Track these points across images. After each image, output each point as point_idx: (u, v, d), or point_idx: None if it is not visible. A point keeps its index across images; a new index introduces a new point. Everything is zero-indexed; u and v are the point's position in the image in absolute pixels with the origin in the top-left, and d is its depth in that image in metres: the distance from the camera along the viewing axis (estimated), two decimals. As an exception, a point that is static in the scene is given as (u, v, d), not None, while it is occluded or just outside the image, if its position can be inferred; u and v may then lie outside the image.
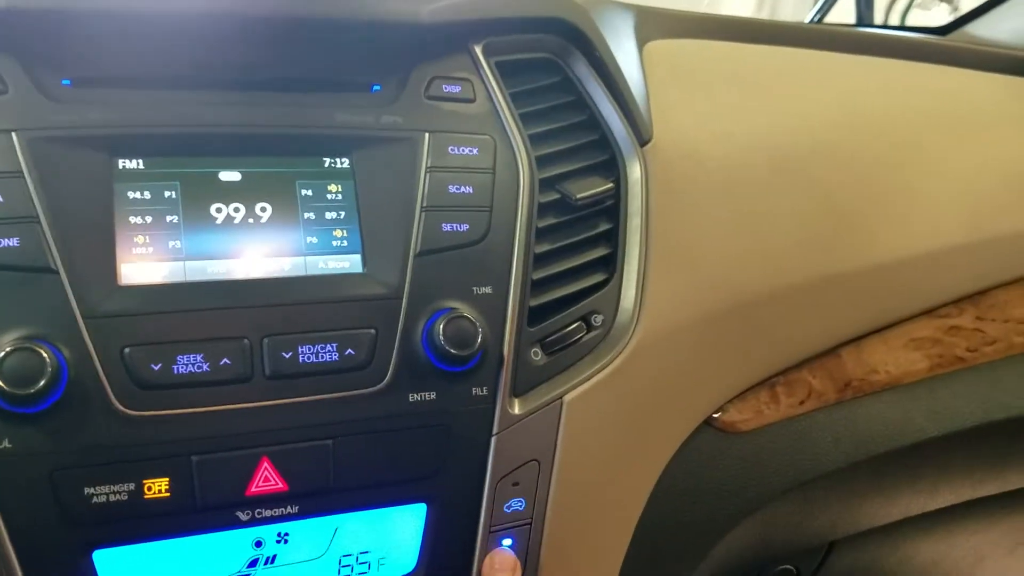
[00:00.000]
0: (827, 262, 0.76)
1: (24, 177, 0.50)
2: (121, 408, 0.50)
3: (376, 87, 0.61)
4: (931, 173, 0.85)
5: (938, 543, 1.02)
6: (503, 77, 0.65)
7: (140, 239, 0.53)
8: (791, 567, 0.97)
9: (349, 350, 0.55)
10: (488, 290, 0.59)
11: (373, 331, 0.56)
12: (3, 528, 0.49)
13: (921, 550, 1.02)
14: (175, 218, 0.54)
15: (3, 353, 0.47)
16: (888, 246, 0.79)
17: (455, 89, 0.63)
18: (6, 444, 0.48)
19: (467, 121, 0.62)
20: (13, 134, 0.51)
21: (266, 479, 0.53)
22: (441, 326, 0.55)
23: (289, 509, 0.54)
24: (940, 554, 1.03)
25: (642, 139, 0.68)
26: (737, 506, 0.73)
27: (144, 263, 0.53)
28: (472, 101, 0.63)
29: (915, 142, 0.85)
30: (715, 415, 0.73)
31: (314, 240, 0.57)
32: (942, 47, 0.99)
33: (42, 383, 0.47)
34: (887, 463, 0.79)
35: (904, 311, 0.81)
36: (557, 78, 0.68)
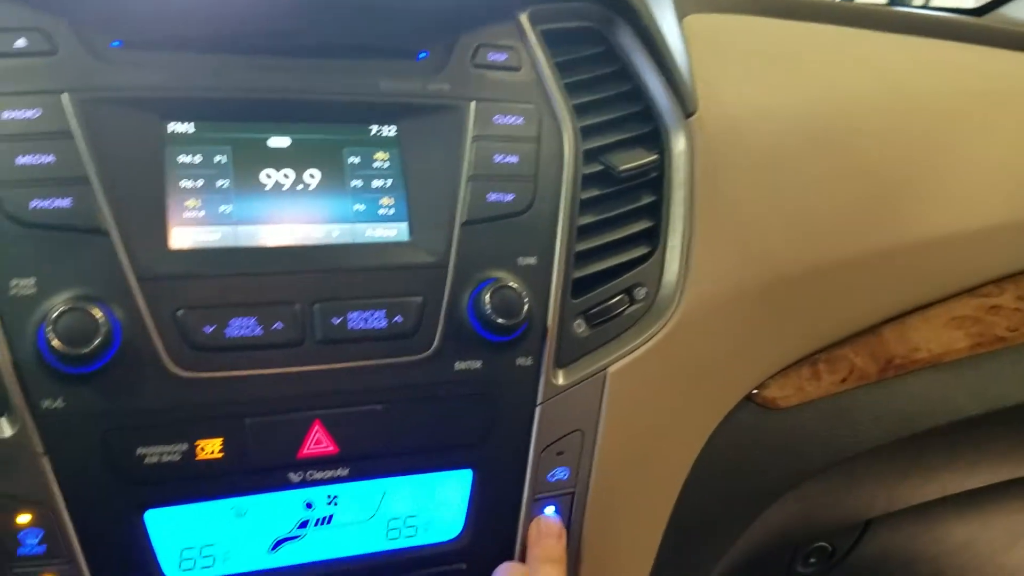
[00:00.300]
0: (868, 238, 0.75)
1: (75, 138, 0.50)
2: (174, 369, 0.50)
3: (423, 54, 0.61)
4: (970, 152, 0.84)
5: (972, 523, 1.01)
6: (548, 46, 0.64)
7: (191, 203, 0.53)
8: (827, 545, 0.96)
9: (397, 317, 0.55)
10: (532, 261, 0.59)
11: (420, 299, 0.56)
12: (56, 488, 0.49)
13: (955, 531, 1.01)
14: (226, 183, 0.54)
15: (57, 313, 0.47)
16: (928, 224, 0.79)
17: (501, 57, 0.62)
18: (59, 403, 0.49)
19: (512, 90, 0.62)
20: (64, 95, 0.51)
21: (317, 441, 0.53)
22: (487, 295, 0.55)
23: (339, 472, 0.54)
24: (974, 535, 1.03)
25: (687, 111, 0.67)
26: (777, 482, 0.73)
27: (195, 227, 0.53)
28: (518, 69, 0.63)
29: (954, 121, 0.84)
30: (756, 391, 0.72)
31: (361, 208, 0.57)
32: (980, 27, 0.98)
33: (96, 343, 0.47)
34: (927, 441, 0.78)
35: (945, 289, 0.80)
36: (602, 48, 0.67)
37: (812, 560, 0.98)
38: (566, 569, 0.59)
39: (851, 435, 0.75)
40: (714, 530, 0.72)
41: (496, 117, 0.60)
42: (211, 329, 0.51)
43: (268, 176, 0.55)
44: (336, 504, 0.55)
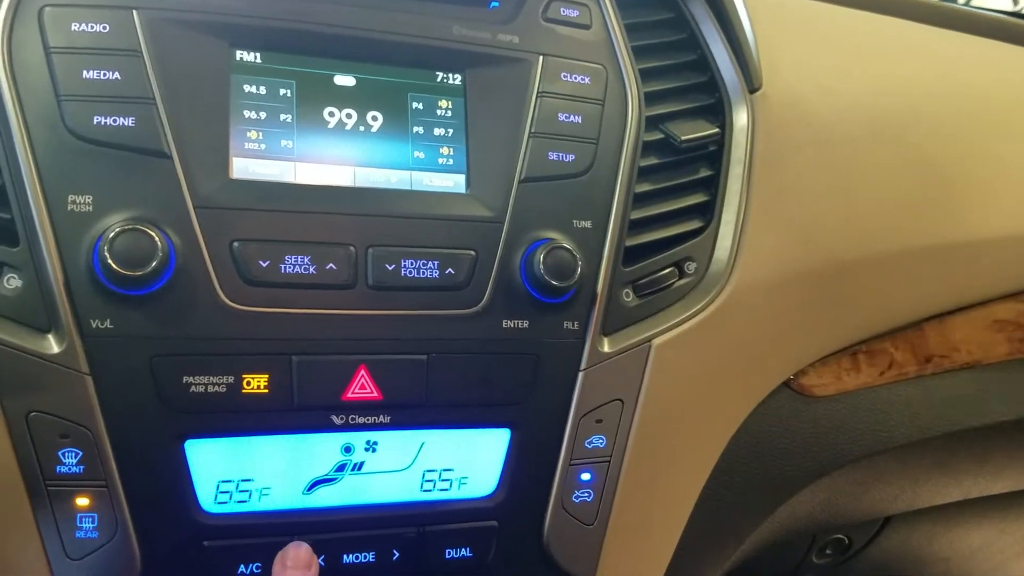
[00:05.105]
0: (919, 232, 0.74)
1: (143, 56, 0.49)
2: (226, 301, 0.50)
3: (494, 3, 0.59)
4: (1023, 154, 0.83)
5: (989, 529, 1.01)
6: (619, 8, 0.63)
7: (253, 134, 0.52)
8: (844, 537, 0.96)
9: (449, 269, 0.54)
10: (587, 224, 0.58)
11: (473, 253, 0.55)
12: (98, 409, 0.49)
13: (972, 535, 1.01)
14: (289, 117, 0.53)
15: (114, 233, 0.46)
16: (979, 223, 0.78)
17: (573, 13, 0.61)
18: (108, 325, 0.48)
19: (581, 48, 0.60)
20: (134, 12, 0.50)
21: (362, 386, 0.53)
22: (541, 255, 0.55)
23: (381, 418, 0.54)
24: (989, 541, 1.03)
25: (752, 86, 0.66)
26: (807, 469, 0.72)
27: (256, 159, 0.52)
28: (588, 27, 0.61)
29: (1011, 121, 0.83)
30: (794, 377, 0.71)
31: (421, 155, 0.56)
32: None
33: (152, 266, 0.46)
34: (957, 442, 0.78)
35: (989, 291, 0.79)
36: (672, 14, 0.66)
37: (828, 552, 0.99)
38: None
39: (884, 430, 0.74)
40: (742, 511, 0.72)
41: (564, 74, 0.59)
42: (266, 264, 0.50)
43: (331, 114, 0.54)
44: (374, 451, 0.55)
